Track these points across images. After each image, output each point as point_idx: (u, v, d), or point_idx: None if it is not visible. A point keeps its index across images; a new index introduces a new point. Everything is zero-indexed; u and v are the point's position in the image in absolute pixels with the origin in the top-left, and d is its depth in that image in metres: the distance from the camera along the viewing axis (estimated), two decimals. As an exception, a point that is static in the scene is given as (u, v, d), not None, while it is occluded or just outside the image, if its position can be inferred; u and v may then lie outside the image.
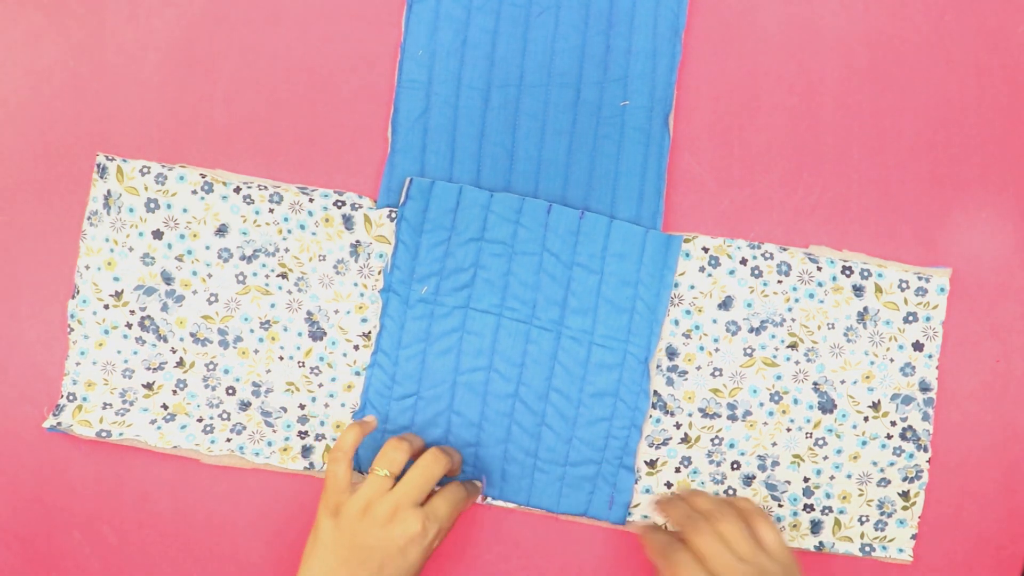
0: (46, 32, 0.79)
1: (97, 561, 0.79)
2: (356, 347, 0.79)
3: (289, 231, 0.78)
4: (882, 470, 0.80)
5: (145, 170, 0.78)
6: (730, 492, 0.79)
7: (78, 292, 0.78)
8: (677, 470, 0.80)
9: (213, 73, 0.79)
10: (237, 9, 0.79)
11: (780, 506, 0.80)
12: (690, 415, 0.79)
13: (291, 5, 0.80)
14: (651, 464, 0.80)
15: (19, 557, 0.79)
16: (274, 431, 0.79)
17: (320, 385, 0.79)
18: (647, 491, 0.79)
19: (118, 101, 0.79)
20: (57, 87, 0.79)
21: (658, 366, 0.79)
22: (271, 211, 0.78)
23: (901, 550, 0.80)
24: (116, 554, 0.79)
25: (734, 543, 0.70)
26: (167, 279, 0.78)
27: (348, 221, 0.78)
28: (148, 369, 0.79)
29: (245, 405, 0.79)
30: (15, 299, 0.79)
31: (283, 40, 0.80)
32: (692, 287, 0.79)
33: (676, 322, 0.79)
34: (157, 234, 0.78)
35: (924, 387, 0.80)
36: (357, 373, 0.79)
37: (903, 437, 0.80)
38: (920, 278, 0.79)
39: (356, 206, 0.78)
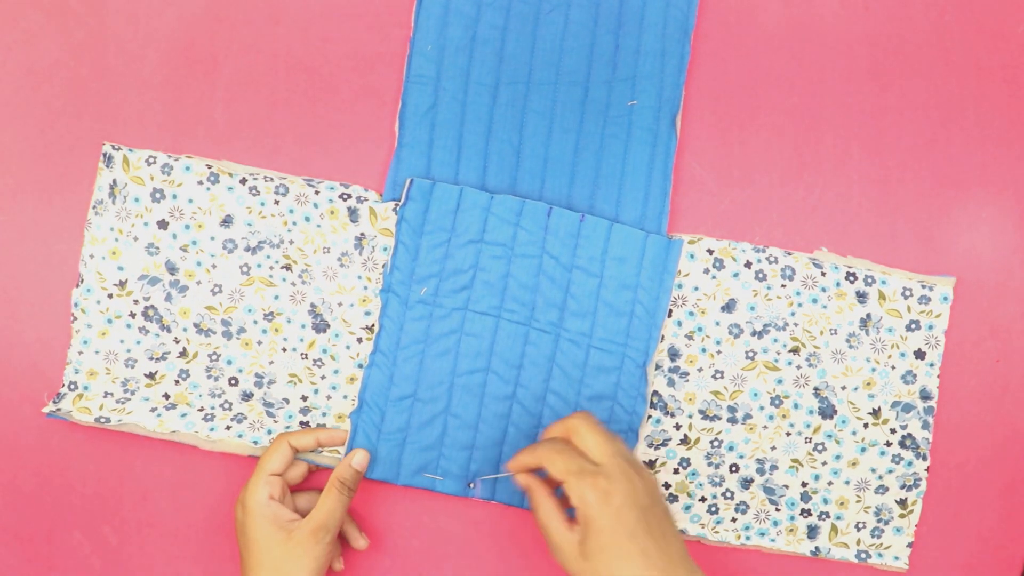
0: (46, 32, 0.78)
1: (97, 561, 0.79)
2: (359, 340, 0.79)
3: (294, 223, 0.78)
4: (880, 477, 0.80)
5: (151, 160, 0.78)
6: (728, 495, 0.80)
7: (82, 281, 0.78)
8: (676, 471, 0.80)
9: (215, 67, 0.79)
10: (238, 6, 0.79)
11: (777, 510, 0.80)
12: (690, 416, 0.79)
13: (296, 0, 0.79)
14: (650, 464, 0.80)
15: (19, 557, 0.79)
16: (275, 421, 0.79)
17: (323, 377, 0.79)
18: (645, 490, 0.80)
19: (118, 101, 0.78)
20: (57, 87, 0.78)
21: (659, 367, 0.79)
22: (276, 203, 0.78)
23: (897, 558, 0.81)
24: (116, 554, 0.79)
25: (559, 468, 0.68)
26: (171, 269, 0.78)
27: (353, 214, 0.78)
28: (151, 359, 0.78)
29: (247, 396, 0.79)
30: (16, 298, 0.78)
31: (288, 35, 0.79)
32: (696, 289, 0.79)
33: (679, 323, 0.79)
34: (162, 224, 0.78)
35: (925, 395, 0.80)
36: (360, 366, 0.79)
37: (902, 445, 0.80)
38: (924, 286, 0.79)
39: (362, 199, 0.78)
